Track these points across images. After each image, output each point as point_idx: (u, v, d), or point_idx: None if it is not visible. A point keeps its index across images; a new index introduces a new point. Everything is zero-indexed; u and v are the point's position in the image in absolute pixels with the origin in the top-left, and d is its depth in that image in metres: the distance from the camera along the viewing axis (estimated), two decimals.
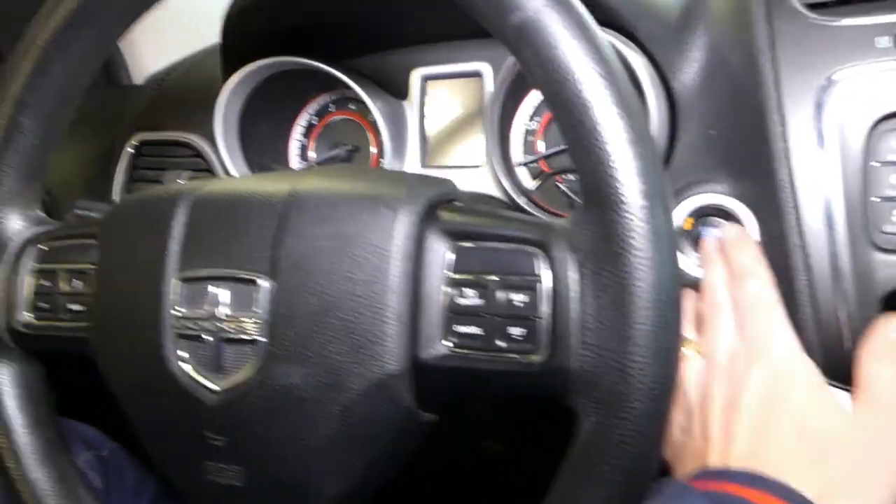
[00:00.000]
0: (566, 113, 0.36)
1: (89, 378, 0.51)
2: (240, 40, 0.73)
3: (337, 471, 0.42)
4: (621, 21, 0.58)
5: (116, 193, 0.89)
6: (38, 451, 0.53)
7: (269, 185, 0.45)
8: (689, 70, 0.57)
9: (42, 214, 0.56)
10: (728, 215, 0.55)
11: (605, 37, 0.37)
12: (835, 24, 0.52)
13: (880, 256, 0.49)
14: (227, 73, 0.75)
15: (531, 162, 0.71)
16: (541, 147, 0.71)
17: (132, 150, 0.88)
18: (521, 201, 0.67)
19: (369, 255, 0.40)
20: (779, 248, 0.52)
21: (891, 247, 0.49)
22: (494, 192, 0.70)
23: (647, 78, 0.57)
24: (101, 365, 0.49)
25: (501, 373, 0.39)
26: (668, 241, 0.35)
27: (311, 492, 0.43)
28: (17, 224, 0.54)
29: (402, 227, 0.40)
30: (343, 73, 0.71)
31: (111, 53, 1.02)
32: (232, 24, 0.72)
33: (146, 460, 0.75)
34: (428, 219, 0.41)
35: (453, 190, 0.45)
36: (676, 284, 0.36)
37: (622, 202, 0.35)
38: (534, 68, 0.37)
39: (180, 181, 0.82)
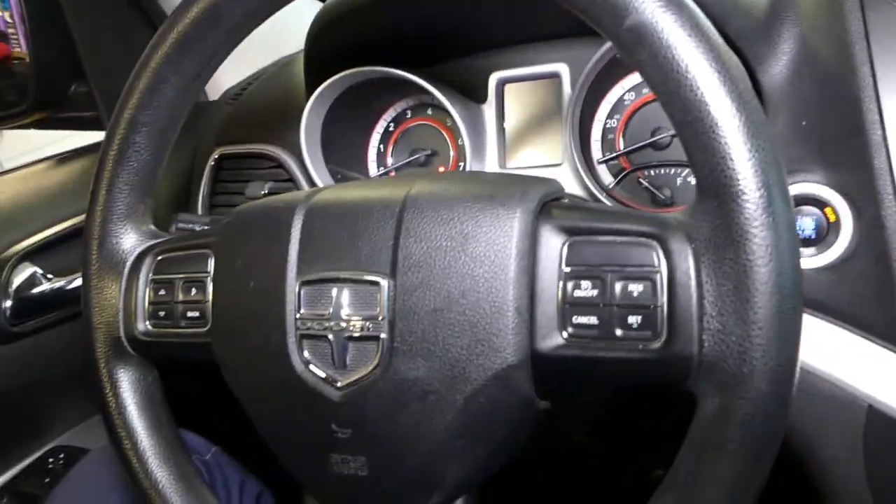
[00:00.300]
0: (683, 111, 0.38)
1: (190, 386, 0.54)
2: (323, 53, 0.76)
3: (459, 459, 0.44)
4: (709, 17, 0.59)
5: (200, 206, 0.92)
6: (161, 453, 0.56)
7: (384, 190, 0.47)
8: (779, 64, 0.58)
9: (154, 228, 0.59)
10: (822, 204, 0.55)
11: (718, 35, 0.38)
12: None
13: None
14: (310, 85, 0.78)
15: (611, 159, 0.72)
16: (620, 145, 0.72)
17: (213, 164, 0.92)
18: (602, 197, 0.69)
19: (488, 251, 0.42)
20: (877, 234, 0.52)
21: None
22: (575, 189, 0.72)
23: None
24: (224, 368, 0.51)
25: (620, 360, 0.40)
26: (789, 229, 0.36)
27: (433, 480, 0.45)
28: (132, 238, 0.57)
29: (518, 224, 0.42)
30: (423, 79, 0.73)
31: None
32: (316, 37, 0.75)
33: (247, 463, 0.79)
34: (542, 216, 0.43)
35: (561, 189, 0.47)
36: (798, 271, 0.37)
37: (742, 193, 0.36)
38: (649, 69, 0.38)
39: (264, 192, 0.86)
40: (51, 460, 0.86)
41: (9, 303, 0.78)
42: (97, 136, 1.08)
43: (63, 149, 1.07)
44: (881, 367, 0.54)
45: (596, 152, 0.73)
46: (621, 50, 0.40)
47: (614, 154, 0.72)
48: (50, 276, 0.83)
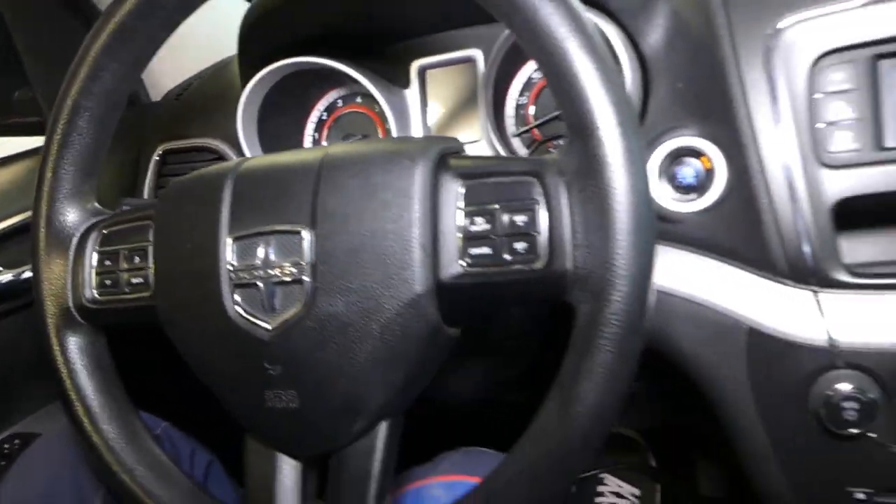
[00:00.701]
0: (550, 65, 0.44)
1: (142, 367, 0.59)
2: (255, 47, 0.82)
3: (379, 385, 0.50)
4: None
5: (147, 198, 0.97)
6: (109, 411, 0.60)
7: (305, 154, 0.53)
8: (656, 34, 0.66)
9: (99, 206, 0.64)
10: (699, 154, 0.63)
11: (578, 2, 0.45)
12: None
13: (827, 172, 0.57)
14: (245, 79, 0.83)
15: (524, 132, 0.79)
16: (531, 119, 0.79)
17: (157, 159, 0.96)
18: None
19: (395, 197, 0.48)
20: (744, 176, 0.60)
21: (835, 164, 0.57)
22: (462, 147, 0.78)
23: (620, 44, 0.65)
24: (166, 324, 0.56)
25: (510, 282, 0.47)
26: (638, 156, 0.43)
27: (358, 405, 0.50)
28: (77, 215, 0.62)
29: (420, 172, 0.48)
30: (351, 68, 0.79)
31: None
32: (247, 33, 0.81)
33: (196, 435, 0.83)
34: (441, 164, 0.49)
35: (460, 146, 0.53)
36: (647, 192, 0.44)
37: (598, 128, 0.43)
38: (523, 33, 0.45)
39: None
40: (6, 446, 0.89)
41: None
42: (40, 141, 1.11)
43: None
44: (757, 292, 0.61)
45: (510, 127, 0.80)
46: (500, 17, 0.47)
47: (527, 127, 0.79)
48: (1, 268, 0.87)
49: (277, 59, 0.81)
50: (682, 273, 0.64)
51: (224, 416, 0.58)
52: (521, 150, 0.80)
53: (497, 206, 0.47)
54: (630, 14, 0.66)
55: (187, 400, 0.88)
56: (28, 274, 0.89)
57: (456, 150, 0.53)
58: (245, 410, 0.55)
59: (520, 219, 0.46)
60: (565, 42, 0.43)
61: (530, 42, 0.45)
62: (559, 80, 0.44)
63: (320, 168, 0.51)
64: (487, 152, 0.79)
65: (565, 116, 0.45)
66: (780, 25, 0.58)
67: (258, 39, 0.81)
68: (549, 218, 0.45)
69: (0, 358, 0.88)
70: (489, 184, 0.48)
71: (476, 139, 0.81)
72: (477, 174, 0.49)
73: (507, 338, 0.74)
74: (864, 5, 0.56)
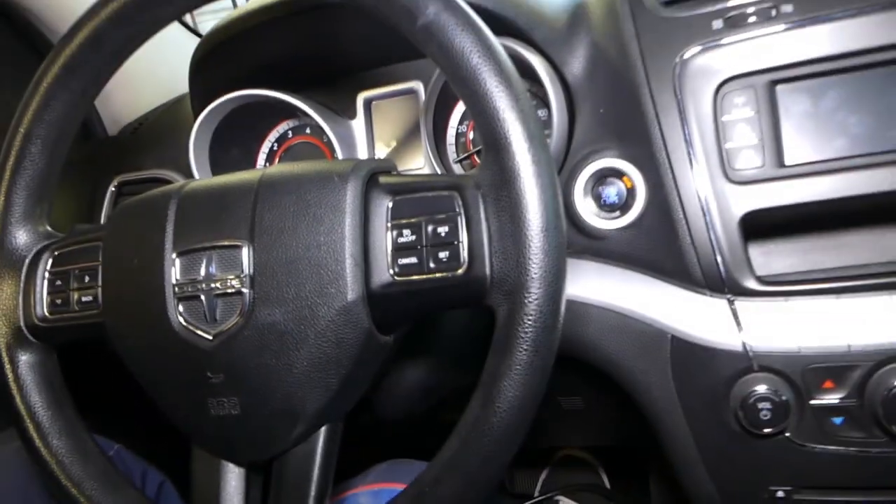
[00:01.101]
0: (465, 87, 0.49)
1: (94, 389, 0.60)
2: (204, 80, 0.85)
3: (316, 390, 0.53)
4: (520, 30, 0.71)
5: None
6: (60, 427, 0.61)
7: (244, 175, 0.56)
8: (578, 63, 0.71)
9: (51, 230, 0.66)
10: (621, 174, 0.67)
11: (486, 27, 0.50)
12: (682, 14, 0.65)
13: (734, 189, 0.62)
14: (196, 111, 0.87)
15: (464, 159, 0.84)
16: (471, 146, 0.84)
17: (114, 189, 0.99)
18: None
19: (327, 213, 0.52)
20: (660, 194, 0.65)
21: (741, 180, 0.62)
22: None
23: (545, 73, 0.70)
24: (113, 338, 0.58)
25: (435, 288, 0.50)
26: (548, 167, 0.47)
27: (297, 410, 0.53)
28: (29, 237, 0.64)
29: (351, 188, 0.52)
30: (299, 101, 0.83)
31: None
32: (197, 68, 0.84)
33: (148, 456, 0.84)
34: (371, 182, 0.53)
35: (392, 166, 0.57)
36: (556, 199, 0.47)
37: (510, 144, 0.47)
38: (438, 58, 0.50)
39: None
40: None
41: None
42: None
43: None
44: (677, 302, 0.66)
45: (451, 154, 0.84)
46: (418, 44, 0.51)
47: (466, 154, 0.83)
48: None
49: (227, 92, 0.85)
50: (607, 286, 0.68)
51: (175, 436, 0.60)
52: None
53: (422, 219, 0.51)
54: (553, 45, 0.71)
55: (140, 421, 0.89)
56: None
57: (387, 169, 0.56)
58: (189, 419, 0.57)
59: (442, 229, 0.50)
60: (479, 66, 0.48)
61: (449, 69, 0.50)
62: (474, 100, 0.48)
63: (258, 187, 0.54)
64: None
65: (480, 133, 0.49)
66: (686, 55, 0.64)
67: (208, 73, 0.85)
68: (468, 228, 0.49)
69: None
70: (415, 198, 0.52)
71: (420, 167, 0.86)
72: (404, 190, 0.53)
73: (451, 345, 0.78)
74: (761, 36, 0.62)
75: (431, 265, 0.50)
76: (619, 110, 0.68)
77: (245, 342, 0.53)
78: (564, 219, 0.48)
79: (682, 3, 0.67)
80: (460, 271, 0.49)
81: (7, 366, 0.62)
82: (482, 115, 0.48)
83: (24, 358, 0.62)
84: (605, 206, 0.69)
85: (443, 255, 0.50)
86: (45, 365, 0.63)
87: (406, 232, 0.51)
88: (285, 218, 0.53)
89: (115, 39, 0.61)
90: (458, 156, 0.84)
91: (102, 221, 0.98)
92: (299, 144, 0.93)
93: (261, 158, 0.94)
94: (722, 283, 0.63)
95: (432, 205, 0.51)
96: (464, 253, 0.49)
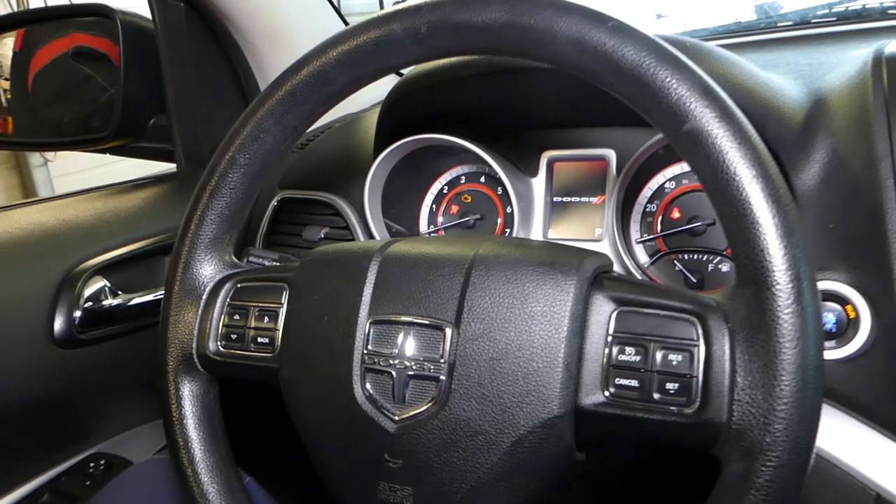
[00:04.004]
0: (729, 206, 0.43)
1: (234, 420, 0.59)
2: (395, 120, 0.83)
3: (499, 499, 0.49)
4: (752, 123, 0.65)
5: (258, 241, 0.99)
6: (212, 464, 0.60)
7: (454, 248, 0.53)
8: (811, 170, 0.64)
9: (235, 259, 0.65)
10: (844, 301, 0.60)
11: (762, 144, 0.45)
12: None
13: None
14: (379, 145, 0.85)
15: (649, 240, 0.78)
16: (658, 228, 0.78)
17: (275, 205, 0.99)
18: (637, 274, 0.74)
19: (545, 311, 0.48)
20: (893, 333, 0.57)
21: None
22: (613, 265, 0.77)
23: None
24: (287, 392, 0.57)
25: (656, 422, 0.45)
26: (815, 318, 0.42)
27: None
28: (214, 266, 0.63)
29: (574, 290, 0.48)
30: (482, 150, 0.80)
31: None
32: (390, 107, 0.83)
33: (277, 492, 0.83)
34: (595, 285, 0.49)
35: (611, 263, 0.53)
36: (820, 356, 0.42)
37: (776, 283, 0.42)
38: (701, 168, 0.45)
39: (321, 236, 0.92)
40: (92, 465, 0.91)
41: (79, 312, 0.84)
42: (153, 167, 1.16)
43: (109, 171, 1.15)
44: (891, 459, 0.58)
45: (635, 232, 0.79)
46: (678, 149, 0.46)
47: (652, 236, 0.78)
48: (118, 291, 0.90)
49: (413, 131, 0.83)
50: None
51: (311, 484, 0.57)
52: (643, 257, 0.79)
53: (650, 340, 0.46)
54: (787, 145, 0.65)
55: (275, 459, 0.88)
56: (138, 300, 0.92)
57: (608, 267, 0.52)
58: (354, 496, 0.54)
59: (675, 358, 0.45)
60: (751, 193, 0.43)
61: (712, 183, 0.44)
62: (740, 225, 0.43)
63: (470, 266, 0.51)
64: (608, 254, 0.78)
65: (737, 259, 0.44)
66: None
67: (401, 111, 0.83)
68: (706, 363, 0.44)
69: (98, 377, 0.90)
70: (644, 314, 0.47)
71: (596, 238, 0.81)
72: (631, 301, 0.48)
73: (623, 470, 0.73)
74: None
75: (655, 395, 0.45)
76: (854, 231, 0.61)
77: (433, 433, 0.49)
78: (824, 376, 0.42)
79: None
80: (689, 410, 0.44)
81: (171, 391, 0.61)
82: (747, 244, 0.43)
83: (189, 387, 0.61)
84: None
85: (671, 386, 0.45)
86: (207, 396, 0.62)
87: (629, 350, 0.47)
88: (498, 308, 0.49)
89: (337, 82, 0.59)
90: (641, 235, 0.79)
91: (259, 236, 0.98)
92: (470, 192, 0.90)
93: (428, 198, 0.92)
94: None
95: (665, 326, 0.46)
96: (697, 390, 0.44)
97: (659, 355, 0.46)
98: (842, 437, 0.60)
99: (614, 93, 0.48)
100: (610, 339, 0.48)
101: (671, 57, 0.45)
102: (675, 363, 0.45)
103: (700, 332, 0.45)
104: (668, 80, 0.45)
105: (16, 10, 3.08)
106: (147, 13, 1.05)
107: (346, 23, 1.27)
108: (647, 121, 0.47)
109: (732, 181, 0.43)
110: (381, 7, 4.44)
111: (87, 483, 0.89)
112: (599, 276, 0.50)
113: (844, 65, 0.71)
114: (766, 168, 0.43)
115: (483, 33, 0.50)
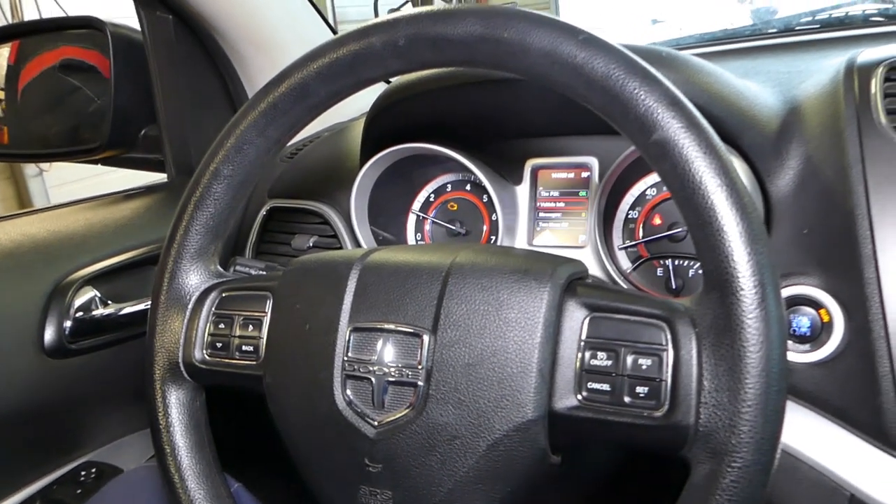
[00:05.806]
0: (696, 214, 0.45)
1: (220, 426, 0.59)
2: (381, 129, 0.85)
3: (477, 500, 0.50)
4: (726, 131, 0.67)
5: (248, 250, 1.00)
6: (199, 471, 0.61)
7: (432, 256, 0.54)
8: (785, 176, 0.66)
9: (220, 269, 0.66)
10: (818, 305, 0.62)
11: (727, 154, 0.46)
12: None
13: None
14: (365, 154, 0.86)
15: (631, 246, 0.79)
16: (640, 234, 0.79)
17: (265, 214, 1.00)
18: (620, 280, 0.75)
19: (519, 318, 0.49)
20: (865, 337, 0.58)
21: None
22: (595, 271, 0.78)
23: (747, 182, 0.65)
24: (271, 398, 0.58)
25: (627, 424, 0.46)
26: (779, 322, 0.43)
27: None
28: (200, 275, 0.64)
29: (548, 297, 0.49)
30: (467, 159, 0.81)
31: None
32: (376, 116, 0.84)
33: (265, 497, 0.84)
34: (568, 292, 0.50)
35: (586, 270, 0.54)
36: (784, 359, 0.43)
37: (741, 289, 0.43)
38: (669, 177, 0.46)
39: (309, 245, 0.93)
40: (83, 473, 0.91)
41: (69, 322, 0.85)
42: (148, 177, 1.17)
43: (104, 181, 1.15)
44: (864, 459, 0.59)
45: (617, 239, 0.80)
46: (648, 158, 0.47)
47: (634, 242, 0.79)
48: (107, 300, 0.91)
49: (399, 139, 0.84)
50: (785, 424, 0.62)
51: (298, 485, 0.58)
52: (625, 263, 0.80)
53: (621, 345, 0.47)
54: (760, 152, 0.66)
55: (262, 465, 0.89)
56: (129, 310, 0.92)
57: (583, 275, 0.53)
58: (336, 500, 0.55)
59: (644, 362, 0.46)
60: (717, 201, 0.44)
61: (680, 192, 0.46)
62: (707, 233, 0.44)
63: (447, 274, 0.52)
64: (591, 260, 0.79)
65: (704, 265, 0.45)
66: None
67: (387, 120, 0.84)
68: (674, 367, 0.45)
69: (89, 386, 0.91)
70: (615, 319, 0.48)
71: (581, 245, 0.82)
72: (603, 307, 0.49)
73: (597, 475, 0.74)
74: None
75: (626, 399, 0.46)
76: (827, 236, 0.62)
77: (412, 437, 0.50)
78: (788, 378, 0.43)
79: None
80: (659, 413, 0.45)
81: (158, 400, 0.62)
82: (713, 251, 0.44)
83: (176, 395, 0.62)
84: (793, 337, 0.63)
85: (641, 390, 0.46)
86: (194, 403, 0.63)
87: (601, 355, 0.48)
88: (473, 315, 0.50)
89: (318, 94, 0.60)
90: (623, 242, 0.80)
91: (249, 245, 0.99)
92: (456, 199, 0.91)
93: (415, 205, 0.93)
94: None
95: (636, 332, 0.47)
96: (666, 394, 0.45)
97: (629, 360, 0.47)
98: (816, 439, 0.61)
99: (587, 104, 0.49)
100: (582, 344, 0.49)
101: (640, 69, 0.47)
102: (644, 367, 0.46)
103: (669, 336, 0.46)
104: (636, 91, 0.46)
105: (11, 21, 3.10)
106: (136, 25, 1.07)
107: (334, 31, 1.28)
108: (619, 131, 0.49)
109: (698, 190, 0.44)
110: (376, 14, 4.47)
111: (79, 491, 0.90)
112: (573, 283, 0.51)
113: (820, 73, 0.72)
114: (730, 177, 0.45)
115: (459, 46, 0.51)
